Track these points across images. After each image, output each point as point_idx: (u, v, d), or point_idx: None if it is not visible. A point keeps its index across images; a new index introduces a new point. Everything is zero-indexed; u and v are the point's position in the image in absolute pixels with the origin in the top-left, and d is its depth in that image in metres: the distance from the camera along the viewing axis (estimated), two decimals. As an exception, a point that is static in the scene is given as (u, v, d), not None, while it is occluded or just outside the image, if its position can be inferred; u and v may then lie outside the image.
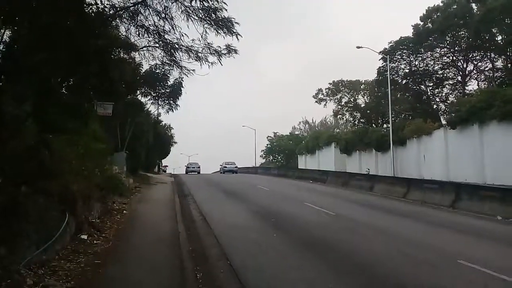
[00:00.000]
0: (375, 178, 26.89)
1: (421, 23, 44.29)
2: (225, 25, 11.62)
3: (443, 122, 39.10)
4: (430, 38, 43.16)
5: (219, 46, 12.47)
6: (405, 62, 47.20)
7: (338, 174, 32.89)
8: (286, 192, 23.77)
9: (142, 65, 21.63)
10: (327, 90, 61.98)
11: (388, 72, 40.55)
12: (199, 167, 55.90)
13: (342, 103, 61.12)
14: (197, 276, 7.61)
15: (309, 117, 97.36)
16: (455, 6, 41.19)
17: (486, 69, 42.99)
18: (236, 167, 52.40)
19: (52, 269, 7.29)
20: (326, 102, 62.03)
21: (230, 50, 12.51)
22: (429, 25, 43.26)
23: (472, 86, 44.59)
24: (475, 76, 44.62)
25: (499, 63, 41.32)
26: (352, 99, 60.89)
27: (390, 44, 45.52)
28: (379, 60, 45.29)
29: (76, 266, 7.64)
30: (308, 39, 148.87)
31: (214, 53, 12.47)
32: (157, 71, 23.35)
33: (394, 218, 14.87)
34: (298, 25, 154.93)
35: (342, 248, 9.94)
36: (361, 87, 60.13)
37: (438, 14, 42.49)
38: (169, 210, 15.15)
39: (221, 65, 12.76)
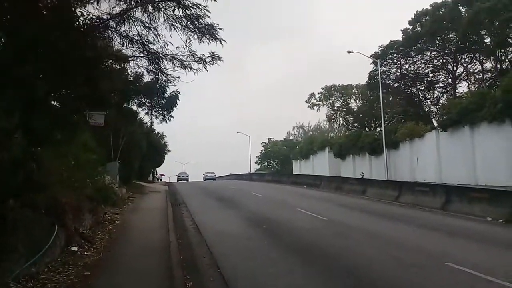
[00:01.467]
0: (368, 182, 27.01)
1: (410, 27, 44.67)
2: (209, 32, 11.72)
3: (435, 124, 39.35)
4: (420, 42, 43.53)
5: (203, 54, 12.56)
6: (396, 65, 47.59)
7: (331, 179, 33.00)
8: (279, 198, 23.81)
9: (144, 75, 21.53)
10: (319, 94, 62.25)
11: (379, 76, 40.79)
12: (188, 176, 68.42)
13: (335, 108, 61.40)
14: (186, 285, 7.63)
15: (303, 122, 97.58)
16: (443, 10, 41.60)
17: (476, 71, 43.50)
18: (215, 175, 63.75)
19: (41, 282, 7.31)
20: (319, 107, 62.32)
21: (214, 57, 12.58)
22: (418, 29, 43.63)
23: (463, 88, 45.10)
24: (465, 78, 45.07)
25: (488, 65, 41.81)
26: (344, 104, 61.17)
27: (381, 48, 45.92)
28: (370, 64, 45.65)
29: (65, 278, 7.66)
30: (301, 44, 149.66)
31: (198, 61, 12.54)
32: (157, 82, 23.17)
33: (386, 221, 14.95)
34: (290, 30, 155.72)
35: (333, 253, 9.99)
36: (353, 91, 60.46)
37: (427, 17, 42.86)
38: (162, 219, 15.14)
39: (207, 71, 12.82)
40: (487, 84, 40.69)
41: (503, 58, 39.61)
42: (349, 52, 38.17)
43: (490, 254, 9.85)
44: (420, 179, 31.09)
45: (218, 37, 12.08)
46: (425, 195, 18.90)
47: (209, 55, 12.89)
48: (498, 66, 40.13)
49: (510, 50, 38.64)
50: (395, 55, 46.31)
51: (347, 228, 13.59)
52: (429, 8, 43.16)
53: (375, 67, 44.45)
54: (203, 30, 11.97)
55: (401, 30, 45.11)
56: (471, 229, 13.12)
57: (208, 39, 12.12)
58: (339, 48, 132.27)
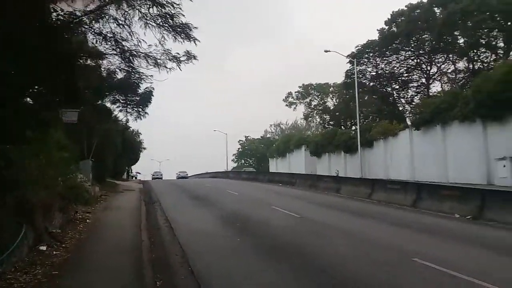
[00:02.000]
0: (342, 180, 27.38)
1: (386, 27, 45.23)
2: (183, 31, 11.71)
3: (409, 123, 40.04)
4: (395, 42, 44.15)
5: (178, 53, 12.54)
6: (372, 65, 48.16)
7: (307, 177, 33.34)
8: (254, 196, 23.89)
9: (117, 73, 21.34)
10: (297, 93, 62.70)
11: (356, 75, 41.27)
12: (162, 174, 72.51)
13: (312, 106, 61.92)
14: (156, 283, 7.60)
15: (281, 120, 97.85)
16: (418, 10, 42.23)
17: (449, 71, 44.41)
18: (187, 174, 68.04)
19: (8, 282, 7.19)
20: (296, 105, 62.82)
21: (189, 56, 12.57)
22: (394, 29, 44.22)
23: (436, 88, 45.99)
24: (439, 78, 45.97)
25: (461, 65, 42.75)
26: (321, 102, 61.73)
27: (357, 48, 46.39)
28: (347, 63, 46.09)
29: (32, 278, 7.54)
30: (281, 43, 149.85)
31: (173, 60, 12.52)
32: (131, 79, 22.94)
33: (359, 219, 15.17)
34: (271, 29, 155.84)
35: (306, 251, 10.05)
36: (330, 90, 61.04)
37: (403, 18, 43.45)
38: (134, 218, 15.02)
39: (180, 70, 12.83)
40: (459, 84, 41.61)
41: (475, 58, 40.57)
42: (326, 51, 38.53)
43: (456, 250, 10.12)
44: (394, 177, 31.68)
45: (192, 36, 12.08)
46: (397, 193, 19.27)
47: (184, 53, 12.87)
48: (471, 66, 41.08)
49: (482, 51, 39.61)
50: (371, 54, 46.87)
51: (321, 226, 13.73)
52: (405, 8, 43.74)
53: (352, 66, 44.91)
54: (178, 29, 11.97)
55: (377, 30, 45.71)
56: (440, 226, 13.45)
57: (182, 38, 12.11)
58: (319, 47, 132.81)
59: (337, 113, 57.45)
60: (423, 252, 9.46)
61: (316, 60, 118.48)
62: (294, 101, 63.70)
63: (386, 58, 46.98)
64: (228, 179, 46.00)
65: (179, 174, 67.36)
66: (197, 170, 73.10)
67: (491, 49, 38.88)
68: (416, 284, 7.44)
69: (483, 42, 38.25)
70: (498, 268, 8.33)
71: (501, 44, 38.50)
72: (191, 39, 11.97)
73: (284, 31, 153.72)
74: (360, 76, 46.24)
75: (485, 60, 39.96)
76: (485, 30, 37.22)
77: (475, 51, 39.74)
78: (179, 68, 12.79)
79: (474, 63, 40.89)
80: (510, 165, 22.83)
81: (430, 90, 45.07)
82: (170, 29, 11.89)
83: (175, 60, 12.86)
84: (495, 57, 39.05)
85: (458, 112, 27.81)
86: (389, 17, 45.09)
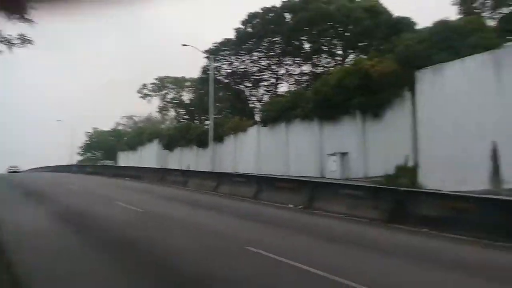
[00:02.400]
0: (190, 173, 27.66)
1: (243, 27, 46.62)
2: (17, 10, 10.50)
3: (258, 120, 42.00)
4: (250, 42, 45.83)
5: (10, 35, 11.26)
6: (227, 62, 49.24)
7: (155, 170, 33.06)
8: (97, 191, 22.69)
9: None
10: (152, 85, 61.42)
11: (211, 71, 41.67)
12: None
13: (167, 99, 61.30)
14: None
15: (135, 112, 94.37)
16: (272, 14, 44.41)
17: (295, 73, 47.65)
18: (18, 168, 64.91)
19: None
20: (151, 98, 61.57)
21: (24, 40, 11.40)
22: (249, 29, 45.81)
23: (283, 88, 48.94)
24: (286, 79, 49.04)
25: (305, 68, 46.28)
26: (177, 96, 61.43)
27: (215, 45, 47.01)
28: (204, 58, 46.37)
29: None
30: (133, 33, 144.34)
31: (4, 42, 11.20)
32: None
33: (202, 211, 15.42)
34: (130, 20, 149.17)
35: (144, 245, 9.75)
36: (186, 84, 61.04)
37: (258, 20, 45.25)
38: None
39: (12, 53, 11.57)
40: (303, 86, 45.02)
41: (317, 63, 44.43)
42: (184, 45, 38.14)
43: (285, 237, 10.82)
44: (242, 171, 32.89)
45: (28, 18, 10.87)
46: (241, 185, 19.98)
47: (18, 36, 11.62)
48: (314, 70, 44.80)
49: (324, 56, 43.65)
50: (227, 52, 47.83)
51: (163, 219, 13.55)
52: (260, 11, 45.52)
53: (208, 62, 45.29)
54: (11, 7, 10.64)
55: (234, 29, 46.74)
56: (276, 215, 14.33)
57: (16, 18, 10.84)
58: (178, 42, 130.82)
59: (192, 108, 57.67)
60: (257, 240, 9.89)
61: (175, 54, 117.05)
62: (149, 93, 62.37)
63: (241, 57, 48.46)
64: (71, 173, 42.85)
65: (10, 168, 63.32)
66: (37, 164, 66.63)
67: (331, 55, 43.05)
68: (246, 270, 7.65)
69: (325, 49, 42.20)
70: (319, 253, 9.02)
71: (340, 52, 42.89)
72: (26, 21, 10.77)
73: (141, 23, 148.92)
74: (216, 72, 46.88)
75: (326, 65, 43.89)
76: (327, 38, 41.17)
77: (317, 56, 43.49)
78: (10, 51, 11.52)
79: (317, 67, 44.66)
80: (339, 160, 25.55)
81: (278, 90, 47.92)
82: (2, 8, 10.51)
83: (6, 43, 11.55)
84: (334, 63, 43.20)
85: (300, 111, 30.12)
86: (246, 18, 46.54)
